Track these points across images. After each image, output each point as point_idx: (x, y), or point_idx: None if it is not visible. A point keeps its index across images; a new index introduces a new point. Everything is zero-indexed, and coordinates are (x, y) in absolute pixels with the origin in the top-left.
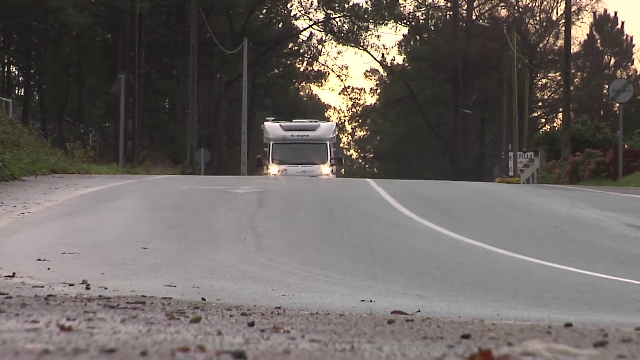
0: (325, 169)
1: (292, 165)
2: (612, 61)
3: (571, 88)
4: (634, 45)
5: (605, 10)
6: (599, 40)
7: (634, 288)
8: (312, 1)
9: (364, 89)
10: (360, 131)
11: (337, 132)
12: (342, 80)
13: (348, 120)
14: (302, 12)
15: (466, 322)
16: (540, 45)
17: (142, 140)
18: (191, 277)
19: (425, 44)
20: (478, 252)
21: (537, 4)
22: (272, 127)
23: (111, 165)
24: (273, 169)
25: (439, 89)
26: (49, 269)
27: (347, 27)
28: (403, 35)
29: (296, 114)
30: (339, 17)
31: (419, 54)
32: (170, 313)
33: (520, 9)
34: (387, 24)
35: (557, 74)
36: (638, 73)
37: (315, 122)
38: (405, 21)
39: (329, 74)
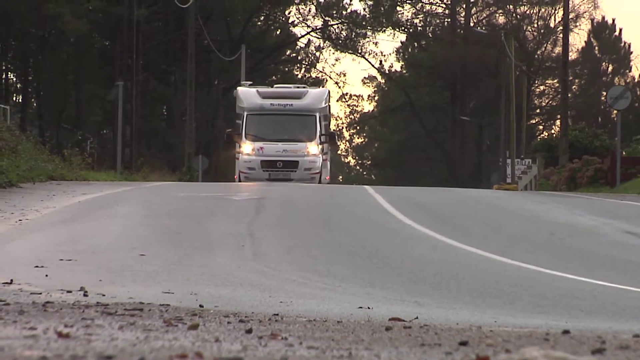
0: (313, 148)
1: (271, 143)
2: (610, 68)
3: (569, 95)
4: (631, 52)
5: (603, 17)
6: (596, 47)
7: (631, 295)
8: (310, 8)
9: (362, 96)
10: (358, 138)
11: (329, 102)
12: (340, 87)
13: (346, 127)
14: (300, 19)
15: (464, 329)
16: (538, 52)
17: (139, 147)
18: (189, 284)
19: (423, 51)
20: (476, 259)
21: (535, 11)
22: (247, 94)
23: (109, 172)
24: (246, 147)
25: (437, 96)
26: (46, 275)
27: (345, 34)
28: (401, 42)
29: None
30: (336, 24)
31: (416, 61)
32: (168, 320)
33: (518, 16)
34: (385, 31)
35: (555, 81)
36: (636, 80)
37: (303, 87)
38: (403, 28)
39: (326, 80)
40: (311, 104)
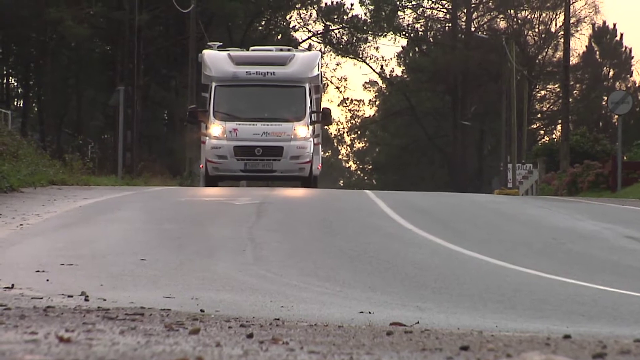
0: (302, 130)
1: (247, 123)
2: (611, 73)
3: (570, 100)
4: (632, 57)
5: (604, 22)
6: (597, 52)
7: (632, 300)
8: (311, 13)
9: (363, 101)
10: (359, 143)
11: (321, 69)
12: (341, 92)
13: (347, 132)
14: (301, 23)
15: (465, 333)
16: (539, 57)
17: (140, 152)
18: (190, 289)
19: (424, 56)
20: (477, 264)
21: (536, 16)
22: (216, 59)
23: (110, 176)
24: (215, 128)
25: (438, 101)
26: (47, 280)
27: (346, 39)
28: (402, 47)
29: None
30: (338, 28)
31: (418, 66)
32: (169, 324)
33: (519, 21)
34: (386, 35)
35: (556, 85)
36: (637, 85)
37: (288, 50)
38: (404, 33)
39: (327, 85)
40: (299, 71)
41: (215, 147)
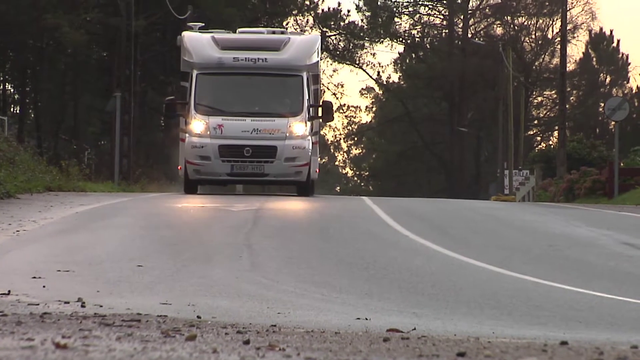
0: (299, 127)
1: (235, 119)
2: (608, 79)
3: (567, 106)
4: (629, 64)
5: (601, 29)
6: (594, 59)
7: (629, 306)
8: (308, 19)
9: (360, 107)
10: (355, 149)
11: (320, 55)
12: (337, 98)
13: (344, 139)
14: (298, 29)
15: (462, 340)
16: (536, 64)
17: (137, 158)
18: (186, 295)
19: (420, 62)
20: (473, 270)
21: (532, 22)
22: (198, 43)
23: (107, 183)
24: (196, 124)
25: (435, 107)
26: (44, 286)
27: (342, 45)
28: (399, 53)
29: None
30: (334, 35)
31: (414, 72)
32: (165, 331)
33: (516, 27)
34: (382, 42)
35: (553, 92)
36: (634, 91)
37: (281, 33)
38: (400, 39)
39: (324, 91)
40: (295, 57)
41: (197, 146)
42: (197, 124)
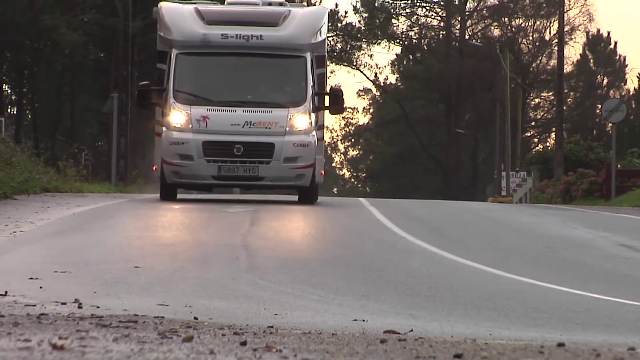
0: (301, 120)
1: (223, 109)
2: (605, 81)
3: (564, 108)
4: (627, 65)
5: (598, 30)
6: (591, 60)
7: (626, 308)
8: None
9: (357, 109)
10: (353, 150)
11: (326, 32)
12: None
13: (341, 140)
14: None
15: (459, 341)
16: (533, 65)
17: (134, 159)
18: (183, 296)
19: (418, 64)
20: (470, 272)
21: (530, 24)
22: (178, 15)
23: (103, 184)
24: (175, 116)
25: (432, 109)
26: (41, 287)
27: (340, 47)
28: (396, 54)
29: None
30: (332, 36)
31: (411, 74)
32: (162, 332)
33: (513, 29)
34: (380, 43)
35: (550, 93)
36: (631, 93)
37: (279, 4)
38: (398, 41)
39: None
40: (297, 35)
41: (176, 142)
42: (177, 116)
